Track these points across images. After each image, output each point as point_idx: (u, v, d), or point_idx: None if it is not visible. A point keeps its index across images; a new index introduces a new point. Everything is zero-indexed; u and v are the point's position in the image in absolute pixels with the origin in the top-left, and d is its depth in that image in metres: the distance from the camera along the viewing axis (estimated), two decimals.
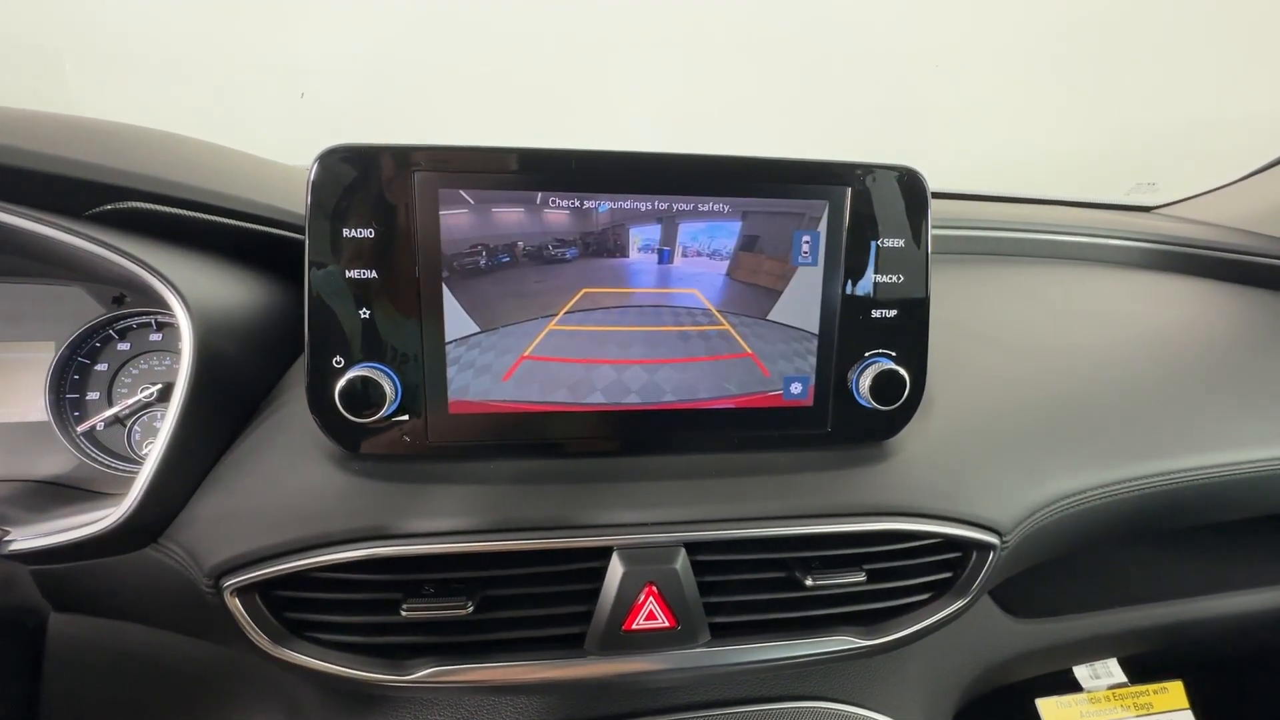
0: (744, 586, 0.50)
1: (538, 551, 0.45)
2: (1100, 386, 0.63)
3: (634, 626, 0.47)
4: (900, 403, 0.50)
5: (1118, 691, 0.73)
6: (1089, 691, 0.72)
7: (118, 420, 0.60)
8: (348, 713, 0.52)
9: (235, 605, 0.44)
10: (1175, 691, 0.74)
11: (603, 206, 0.46)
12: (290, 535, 0.44)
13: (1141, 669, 0.75)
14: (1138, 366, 0.66)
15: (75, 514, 0.46)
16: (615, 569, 0.47)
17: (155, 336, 0.61)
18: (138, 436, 0.60)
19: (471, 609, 0.45)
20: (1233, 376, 0.67)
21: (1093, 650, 0.72)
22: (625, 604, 0.47)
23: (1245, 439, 0.61)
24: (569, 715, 0.52)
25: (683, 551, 0.48)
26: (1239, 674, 1.04)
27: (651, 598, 0.47)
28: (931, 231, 0.50)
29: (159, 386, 0.60)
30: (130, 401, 0.60)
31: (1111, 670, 0.74)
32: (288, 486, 0.46)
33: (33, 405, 0.59)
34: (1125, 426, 0.60)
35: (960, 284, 0.76)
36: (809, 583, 0.49)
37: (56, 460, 0.58)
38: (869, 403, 0.50)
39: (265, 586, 0.44)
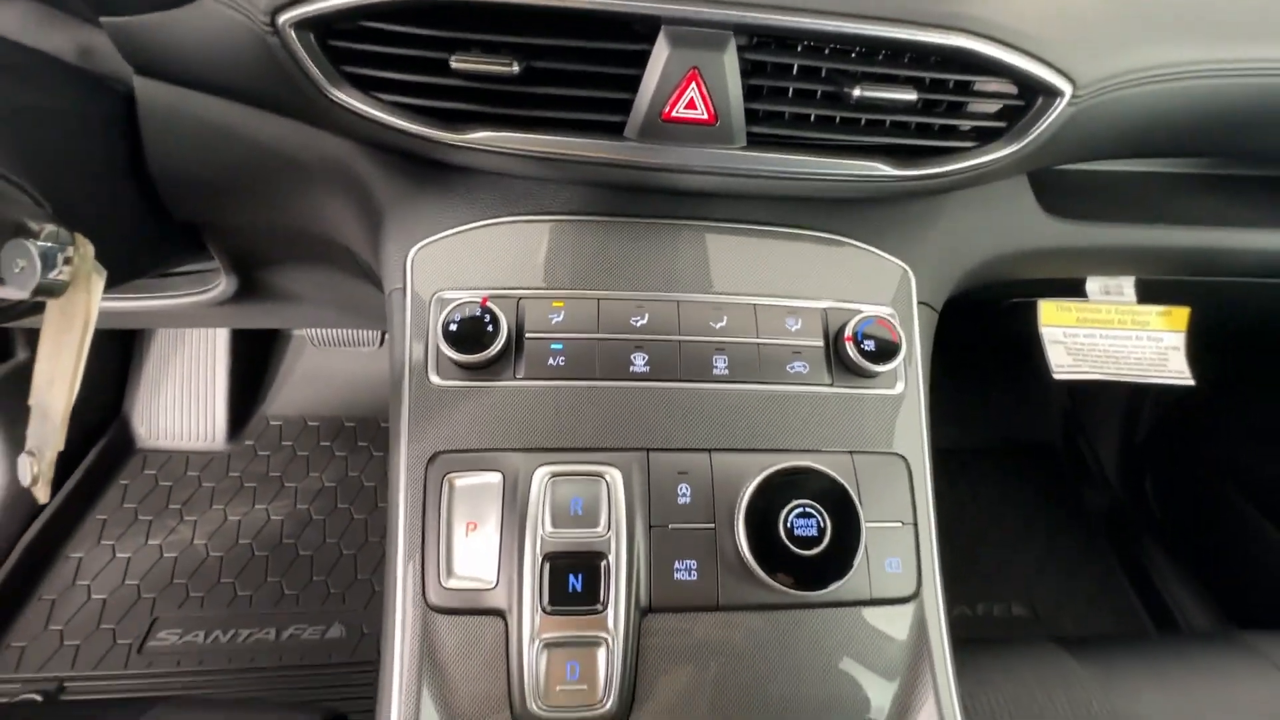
0: (788, 98, 0.50)
1: (583, 14, 0.45)
2: None
3: (673, 114, 0.49)
4: None
5: (1119, 306, 0.77)
6: (1093, 302, 0.77)
7: None
8: (406, 189, 0.57)
9: (292, 40, 0.45)
10: (1178, 315, 0.78)
11: None
12: None
13: (1153, 300, 0.78)
14: None
15: None
16: (661, 49, 0.46)
17: None
18: None
19: (517, 70, 0.46)
20: None
21: (1115, 263, 0.74)
22: (667, 88, 0.47)
23: None
24: (606, 210, 0.57)
25: (732, 41, 0.46)
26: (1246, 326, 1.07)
27: (694, 84, 0.47)
28: None
29: None
30: None
31: (1125, 290, 0.77)
32: None
33: None
34: (1250, 11, 0.52)
35: None
36: (856, 94, 0.48)
37: None
38: None
39: (320, 30, 0.46)
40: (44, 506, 1.34)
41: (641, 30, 0.47)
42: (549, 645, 0.44)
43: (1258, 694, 0.78)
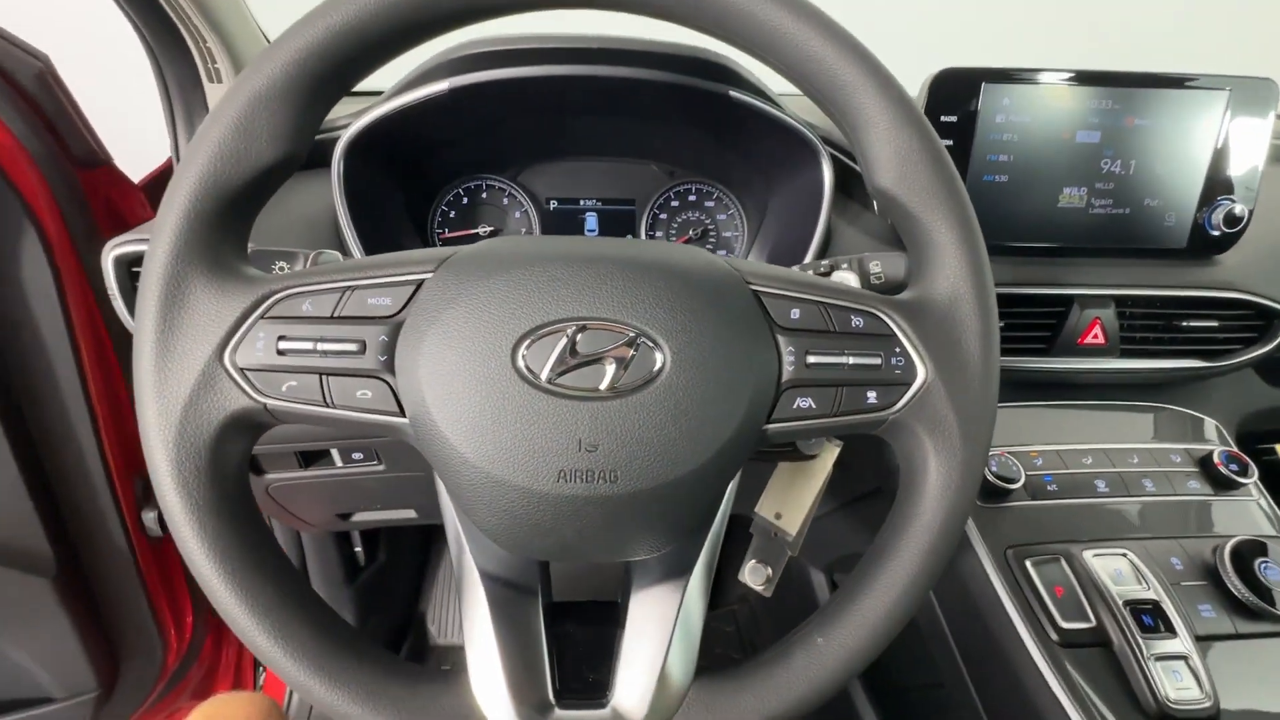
0: (1146, 327, 0.90)
1: (1046, 297, 0.86)
2: None
3: (1084, 341, 0.88)
4: (1237, 229, 0.86)
5: None
6: None
7: None
8: None
9: None
10: None
11: None
12: None
13: None
14: None
15: None
16: (1077, 310, 0.87)
17: None
18: None
19: None
20: None
21: None
22: (1081, 328, 0.87)
23: None
24: (1033, 399, 0.93)
25: (1113, 305, 0.87)
26: None
27: (1097, 326, 0.87)
28: None
29: None
30: None
31: None
32: None
33: None
34: None
35: None
36: (1184, 324, 0.88)
37: None
38: (1216, 229, 0.87)
39: None
40: None
41: (1066, 300, 0.88)
42: (1158, 659, 0.68)
43: None
